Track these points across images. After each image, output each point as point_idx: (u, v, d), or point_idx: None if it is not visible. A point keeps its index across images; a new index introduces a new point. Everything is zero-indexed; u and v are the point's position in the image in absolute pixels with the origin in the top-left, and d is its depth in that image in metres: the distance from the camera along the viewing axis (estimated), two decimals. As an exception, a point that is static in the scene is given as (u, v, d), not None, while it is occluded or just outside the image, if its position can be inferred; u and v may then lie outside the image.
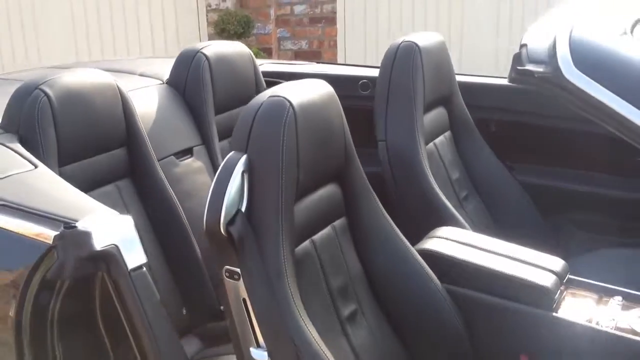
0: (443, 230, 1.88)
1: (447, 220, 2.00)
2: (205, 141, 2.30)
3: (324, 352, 1.27)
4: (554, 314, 1.65)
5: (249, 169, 1.29)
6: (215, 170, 2.29)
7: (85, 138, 1.82)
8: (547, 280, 1.67)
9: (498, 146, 2.48)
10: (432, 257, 1.70)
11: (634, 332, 1.58)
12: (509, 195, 2.45)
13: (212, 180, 2.30)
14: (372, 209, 1.62)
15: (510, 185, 2.47)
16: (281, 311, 1.26)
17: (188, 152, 2.24)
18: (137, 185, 1.98)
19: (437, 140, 2.30)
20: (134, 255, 1.22)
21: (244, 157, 1.30)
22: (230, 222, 1.25)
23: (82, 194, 1.39)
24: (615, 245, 2.33)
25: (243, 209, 1.28)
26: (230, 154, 1.32)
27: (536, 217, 2.45)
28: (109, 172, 1.90)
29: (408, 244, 1.65)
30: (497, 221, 2.35)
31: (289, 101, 1.32)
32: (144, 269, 1.23)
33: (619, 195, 2.45)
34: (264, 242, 1.29)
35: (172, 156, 2.17)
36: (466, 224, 2.04)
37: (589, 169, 2.50)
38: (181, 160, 2.20)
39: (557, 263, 1.75)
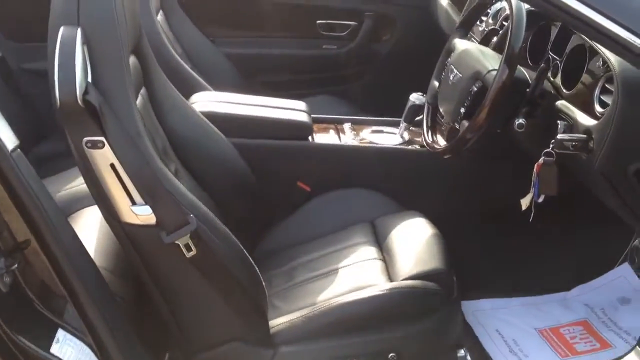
0: (202, 95, 2.08)
1: (195, 86, 2.21)
2: None
3: (189, 195, 1.44)
4: (314, 142, 2.04)
5: (87, 41, 1.32)
6: None
7: None
8: (303, 117, 2.04)
9: (200, 23, 2.70)
10: (214, 117, 1.90)
11: (372, 142, 2.07)
12: (215, 63, 2.73)
13: None
14: (161, 80, 1.73)
15: (215, 55, 2.74)
16: (150, 166, 1.37)
17: None
18: None
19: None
20: (8, 137, 1.19)
21: (79, 30, 1.31)
22: (84, 93, 1.29)
23: None
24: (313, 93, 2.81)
25: (90, 80, 1.32)
26: (62, 28, 1.31)
27: (239, 80, 2.79)
28: None
29: (194, 108, 1.83)
30: (211, 84, 2.60)
31: None
32: (19, 150, 1.21)
33: (299, 53, 2.92)
34: (118, 107, 1.35)
35: None
36: (209, 87, 2.27)
37: (277, 35, 2.90)
38: None
39: (302, 105, 2.13)
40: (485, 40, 1.82)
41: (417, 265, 1.67)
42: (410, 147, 2.07)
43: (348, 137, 2.10)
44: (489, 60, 1.63)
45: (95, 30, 1.33)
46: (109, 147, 1.33)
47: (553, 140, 1.41)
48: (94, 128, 1.31)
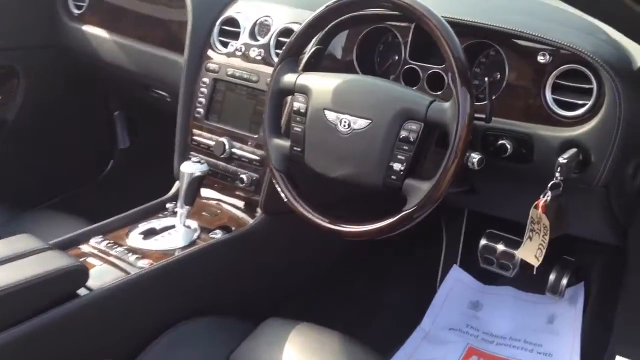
0: None
1: None
2: None
3: None
4: (93, 289, 1.27)
5: None
6: None
7: None
8: (72, 260, 1.25)
9: None
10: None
11: (165, 253, 1.41)
12: None
13: None
14: None
15: None
16: None
17: None
18: None
19: None
20: None
21: None
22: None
23: None
24: None
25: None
26: None
27: None
28: None
29: None
30: None
31: None
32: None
33: None
34: None
35: None
36: None
37: None
38: None
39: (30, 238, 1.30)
40: (309, 67, 1.34)
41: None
42: (215, 236, 1.48)
43: (121, 260, 1.38)
44: (406, 91, 1.19)
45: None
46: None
47: (558, 168, 1.10)
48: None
